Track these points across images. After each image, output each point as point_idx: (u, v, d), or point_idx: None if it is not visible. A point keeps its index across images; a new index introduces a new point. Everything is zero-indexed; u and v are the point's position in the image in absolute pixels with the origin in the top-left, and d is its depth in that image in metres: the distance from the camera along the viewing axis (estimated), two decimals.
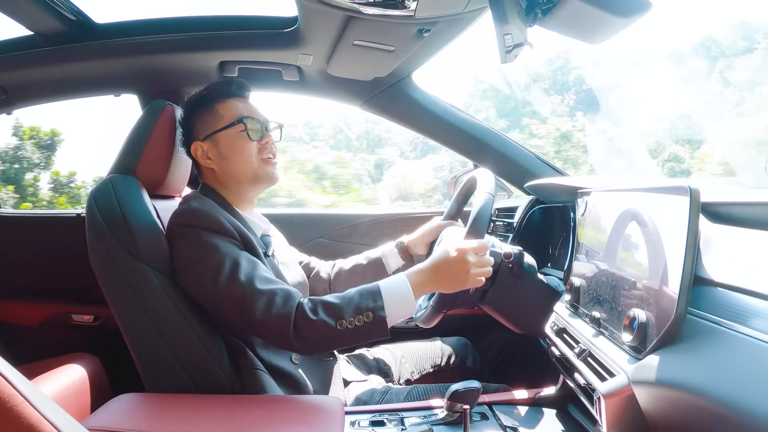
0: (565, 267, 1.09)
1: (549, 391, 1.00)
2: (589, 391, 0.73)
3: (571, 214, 1.13)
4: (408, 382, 1.21)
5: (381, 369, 1.22)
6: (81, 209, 1.61)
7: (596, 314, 0.78)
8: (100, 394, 1.26)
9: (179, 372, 0.89)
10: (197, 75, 1.38)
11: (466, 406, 0.81)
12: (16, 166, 7.41)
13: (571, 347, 0.81)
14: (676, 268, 0.59)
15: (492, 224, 1.54)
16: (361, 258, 1.25)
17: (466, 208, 1.23)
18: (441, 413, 0.92)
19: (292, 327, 0.82)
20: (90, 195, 0.96)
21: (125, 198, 0.94)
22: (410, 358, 1.25)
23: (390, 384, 1.17)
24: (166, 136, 1.06)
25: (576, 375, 0.78)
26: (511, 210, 1.43)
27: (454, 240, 0.91)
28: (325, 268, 1.28)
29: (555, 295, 1.02)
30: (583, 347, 0.77)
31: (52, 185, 7.28)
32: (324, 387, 1.03)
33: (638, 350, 0.63)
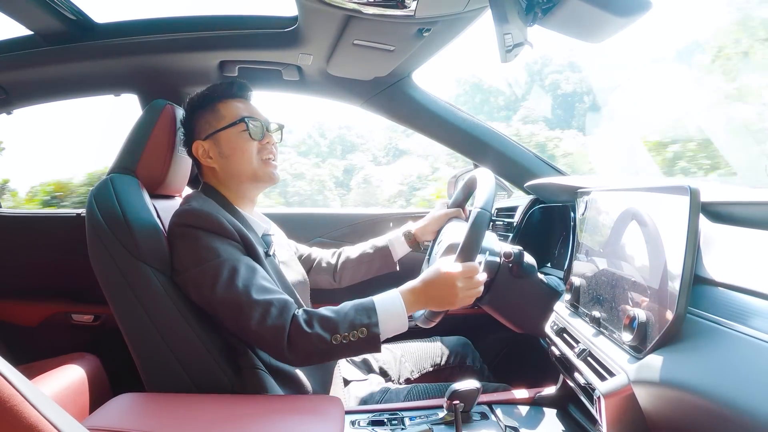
0: (565, 267, 1.09)
1: (549, 390, 1.01)
2: (589, 390, 0.73)
3: (571, 213, 1.13)
4: (408, 381, 1.22)
5: (381, 368, 1.22)
6: (81, 209, 1.61)
7: (596, 314, 0.78)
8: (100, 394, 1.26)
9: (179, 372, 0.89)
10: (197, 75, 1.38)
11: (456, 402, 0.81)
12: None
13: (571, 347, 0.81)
14: (676, 267, 0.59)
15: (492, 224, 1.54)
16: (367, 247, 1.25)
17: (468, 207, 1.23)
18: (441, 413, 0.92)
19: (286, 339, 0.83)
20: (90, 195, 0.96)
21: (125, 198, 0.94)
22: (410, 357, 1.25)
23: (390, 383, 1.17)
24: (166, 135, 1.06)
25: (576, 375, 0.78)
26: (511, 210, 1.43)
27: (445, 262, 0.89)
28: (327, 257, 1.29)
29: (555, 294, 1.02)
30: (583, 347, 0.77)
31: None
32: (324, 387, 1.03)
33: (638, 350, 0.63)
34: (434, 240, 1.21)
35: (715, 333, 0.54)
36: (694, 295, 0.58)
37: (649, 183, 0.73)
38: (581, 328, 0.81)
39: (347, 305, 0.87)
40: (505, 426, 0.90)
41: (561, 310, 0.92)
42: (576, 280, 0.89)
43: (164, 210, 1.03)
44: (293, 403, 0.81)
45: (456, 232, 1.08)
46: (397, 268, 1.25)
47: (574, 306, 0.88)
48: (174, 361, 0.89)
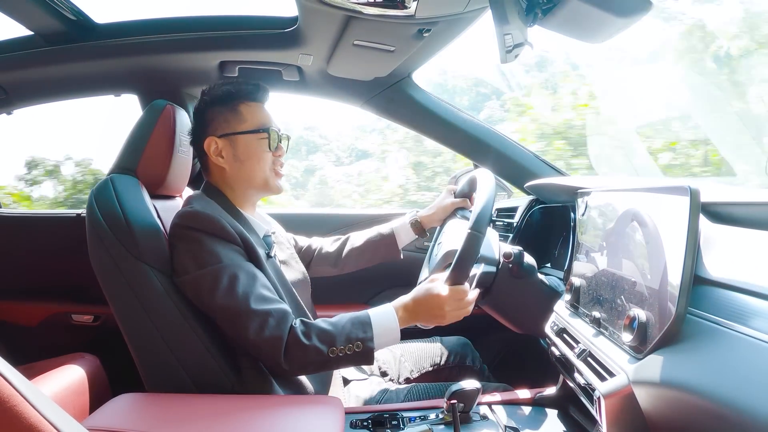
0: (565, 267, 1.09)
1: (549, 390, 1.00)
2: (589, 391, 0.73)
3: (571, 214, 1.13)
4: (408, 381, 1.22)
5: (380, 368, 1.22)
6: (81, 209, 1.61)
7: (596, 314, 0.78)
8: (100, 394, 1.26)
9: (179, 372, 0.89)
10: (197, 75, 1.38)
11: (454, 402, 0.81)
12: None
13: (571, 347, 0.81)
14: (676, 268, 0.59)
15: (492, 224, 1.55)
16: (373, 234, 1.26)
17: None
18: (441, 413, 0.92)
19: (283, 350, 0.84)
20: (90, 194, 0.96)
21: (126, 198, 0.94)
22: (410, 357, 1.25)
23: (390, 383, 1.17)
24: (166, 135, 1.05)
25: (576, 375, 0.78)
26: (511, 210, 1.43)
27: (435, 284, 0.90)
28: (327, 245, 1.30)
29: (555, 295, 1.02)
30: (583, 347, 0.77)
31: None
32: (324, 387, 1.03)
33: (638, 350, 0.63)
34: (435, 238, 1.21)
35: (715, 333, 0.54)
36: (694, 296, 0.58)
37: (649, 183, 0.73)
38: (581, 328, 0.81)
39: (344, 318, 0.89)
40: (505, 426, 0.90)
41: (561, 311, 0.92)
42: (576, 281, 0.89)
43: (165, 210, 1.03)
44: (293, 403, 0.81)
45: (455, 236, 1.07)
46: (401, 256, 1.26)
47: (574, 306, 0.88)
48: (174, 361, 0.89)
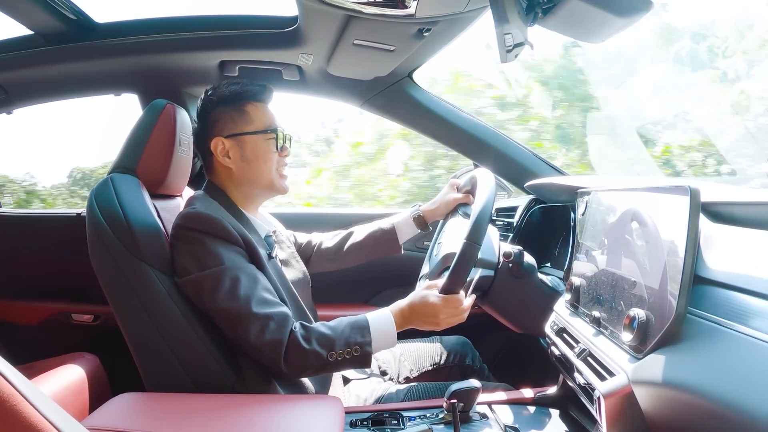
0: (565, 266, 1.09)
1: (549, 390, 1.01)
2: (589, 390, 0.73)
3: (571, 213, 1.13)
4: (407, 380, 1.22)
5: (380, 367, 1.23)
6: (81, 209, 1.61)
7: (596, 314, 0.78)
8: (100, 393, 1.26)
9: (179, 372, 0.89)
10: (197, 75, 1.38)
11: (454, 401, 0.81)
12: None
13: (571, 347, 0.81)
14: (676, 267, 0.59)
15: (492, 223, 1.55)
16: (374, 229, 1.25)
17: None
18: (440, 413, 0.92)
19: (283, 354, 0.84)
20: (91, 194, 0.96)
21: (126, 197, 0.94)
22: (409, 356, 1.25)
23: (389, 382, 1.17)
24: (166, 135, 1.05)
25: (576, 374, 0.78)
26: (511, 209, 1.43)
27: (431, 293, 0.91)
28: (326, 240, 1.30)
29: (555, 294, 1.02)
30: (583, 347, 0.77)
31: None
32: (324, 386, 1.03)
33: (638, 350, 0.63)
34: (436, 236, 1.21)
35: (715, 333, 0.54)
36: (694, 295, 0.58)
37: (649, 183, 0.73)
38: (581, 328, 0.81)
39: (343, 322, 0.90)
40: (505, 426, 0.90)
41: (561, 310, 0.92)
42: (576, 280, 0.89)
43: (165, 210, 1.03)
44: (293, 403, 0.81)
45: (455, 237, 1.07)
46: (402, 251, 1.26)
47: (574, 306, 0.88)
48: (174, 360, 0.89)
